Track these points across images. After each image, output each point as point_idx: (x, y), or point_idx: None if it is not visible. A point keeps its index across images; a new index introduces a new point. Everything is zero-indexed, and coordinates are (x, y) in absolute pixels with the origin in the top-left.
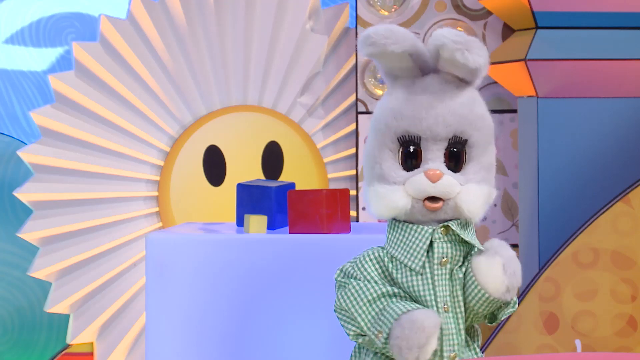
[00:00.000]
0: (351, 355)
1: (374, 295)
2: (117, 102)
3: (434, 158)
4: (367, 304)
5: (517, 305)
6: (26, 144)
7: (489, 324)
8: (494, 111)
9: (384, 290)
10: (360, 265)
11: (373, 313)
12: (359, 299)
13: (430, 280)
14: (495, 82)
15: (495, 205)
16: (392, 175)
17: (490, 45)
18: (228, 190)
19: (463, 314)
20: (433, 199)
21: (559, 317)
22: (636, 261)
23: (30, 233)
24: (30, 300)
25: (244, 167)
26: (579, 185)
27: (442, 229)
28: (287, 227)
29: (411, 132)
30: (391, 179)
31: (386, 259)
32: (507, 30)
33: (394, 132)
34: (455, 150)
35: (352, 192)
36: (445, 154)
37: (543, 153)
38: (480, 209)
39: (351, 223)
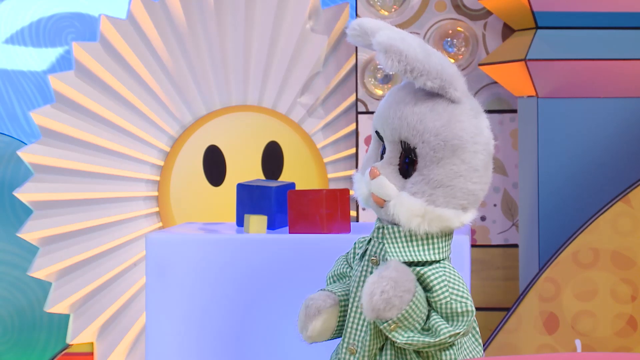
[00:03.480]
0: None
1: (337, 272)
2: (117, 102)
3: (389, 158)
4: (330, 279)
5: (439, 337)
6: (26, 144)
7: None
8: (494, 111)
9: (343, 270)
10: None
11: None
12: (330, 272)
13: (359, 273)
14: (495, 82)
15: (495, 205)
16: (365, 166)
17: (490, 45)
18: (228, 190)
19: None
20: None
21: (559, 317)
22: (636, 261)
23: (30, 233)
24: (30, 300)
25: (244, 167)
26: (579, 185)
27: (382, 229)
28: (287, 227)
29: (377, 128)
30: (363, 169)
31: (361, 244)
32: (507, 30)
33: (373, 126)
34: (407, 155)
35: (352, 192)
36: (400, 157)
37: (543, 153)
38: (410, 220)
39: (351, 223)
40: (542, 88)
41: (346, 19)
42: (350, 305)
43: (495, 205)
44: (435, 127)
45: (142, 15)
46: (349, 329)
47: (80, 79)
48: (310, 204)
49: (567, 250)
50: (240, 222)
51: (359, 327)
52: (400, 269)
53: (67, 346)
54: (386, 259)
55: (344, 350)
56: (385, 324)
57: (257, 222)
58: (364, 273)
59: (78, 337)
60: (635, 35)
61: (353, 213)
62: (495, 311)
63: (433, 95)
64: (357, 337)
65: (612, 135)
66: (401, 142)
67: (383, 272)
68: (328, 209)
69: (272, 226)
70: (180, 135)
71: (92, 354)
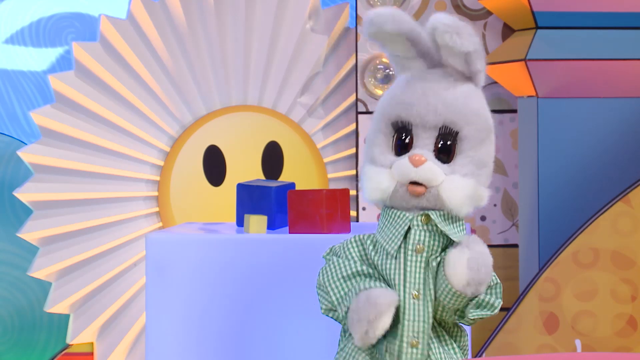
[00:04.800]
0: (339, 340)
1: (349, 272)
2: (117, 102)
3: (423, 146)
4: (341, 280)
5: (495, 310)
6: (26, 144)
7: (460, 322)
8: (494, 111)
9: (359, 269)
10: (345, 245)
11: (346, 289)
12: (334, 274)
13: (402, 265)
14: (495, 82)
15: (495, 205)
16: (381, 159)
17: (490, 45)
18: (228, 190)
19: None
20: (416, 183)
21: (559, 317)
22: (636, 261)
23: (30, 233)
24: (30, 300)
25: (244, 167)
26: (579, 185)
27: (422, 217)
28: (287, 227)
29: (403, 118)
30: (380, 162)
31: (369, 242)
32: (507, 30)
33: (388, 117)
34: (445, 140)
35: (352, 192)
36: (435, 144)
37: (543, 153)
38: (462, 202)
39: (351, 223)
40: (542, 88)
41: (346, 19)
42: (403, 300)
43: (495, 205)
44: (476, 109)
45: (142, 15)
46: (406, 323)
47: (80, 79)
48: (310, 204)
49: (567, 250)
50: (240, 222)
51: (420, 319)
52: (477, 240)
53: (67, 346)
54: (436, 246)
55: (404, 345)
56: (475, 299)
57: (257, 222)
58: (411, 263)
59: (78, 337)
60: (635, 35)
61: (353, 213)
62: None
63: (459, 78)
64: (418, 329)
65: (612, 135)
66: (443, 126)
67: (477, 246)
68: (328, 209)
69: (272, 226)
70: (180, 135)
71: (92, 354)
